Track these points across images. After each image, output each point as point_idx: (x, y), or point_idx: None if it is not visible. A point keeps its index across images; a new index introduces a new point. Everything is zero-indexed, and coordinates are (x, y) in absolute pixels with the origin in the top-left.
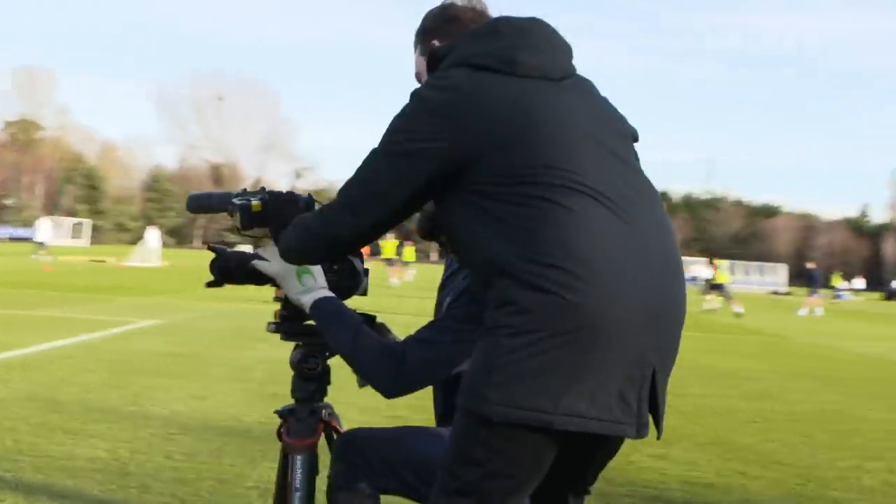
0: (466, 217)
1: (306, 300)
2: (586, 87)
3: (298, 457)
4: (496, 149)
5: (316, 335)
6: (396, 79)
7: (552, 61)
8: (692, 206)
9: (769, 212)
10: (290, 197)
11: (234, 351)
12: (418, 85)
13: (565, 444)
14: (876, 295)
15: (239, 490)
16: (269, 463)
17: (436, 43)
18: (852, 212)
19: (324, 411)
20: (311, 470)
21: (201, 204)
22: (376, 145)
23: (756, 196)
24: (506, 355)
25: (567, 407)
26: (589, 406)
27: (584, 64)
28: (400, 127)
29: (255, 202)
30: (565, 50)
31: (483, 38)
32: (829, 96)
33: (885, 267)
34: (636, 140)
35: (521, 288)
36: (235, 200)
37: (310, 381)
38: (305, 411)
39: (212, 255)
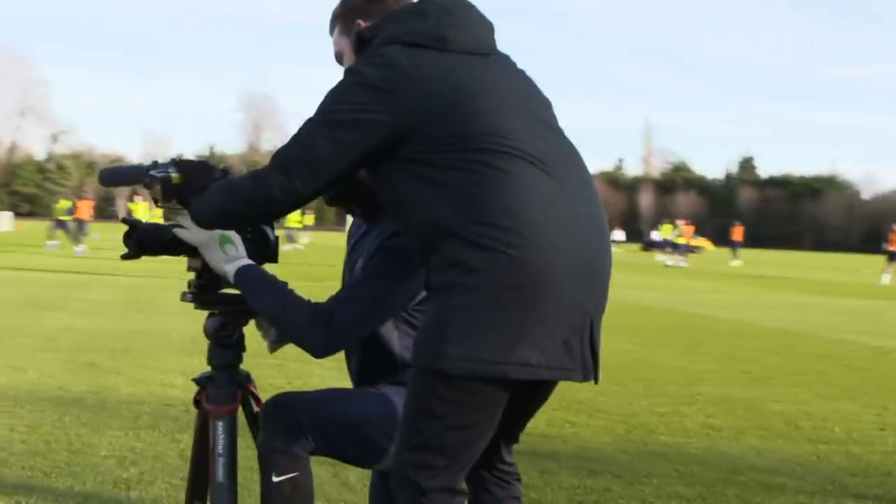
0: (407, 185)
1: (229, 268)
2: (508, 62)
3: (220, 423)
4: (433, 120)
5: (231, 303)
6: (151, 39)
7: (478, 38)
8: None
9: None
10: (205, 166)
11: (33, 320)
12: (339, 65)
13: (513, 394)
14: (634, 246)
15: (95, 459)
16: (113, 431)
17: (361, 23)
18: (608, 165)
19: (244, 377)
20: (233, 435)
21: (115, 178)
22: (313, 115)
23: None
24: (458, 312)
25: (519, 357)
26: (539, 355)
27: None
28: (340, 98)
29: (174, 174)
30: (489, 28)
31: (411, 17)
32: (575, 52)
33: (641, 219)
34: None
35: (468, 248)
36: (154, 173)
37: (227, 348)
38: (224, 378)
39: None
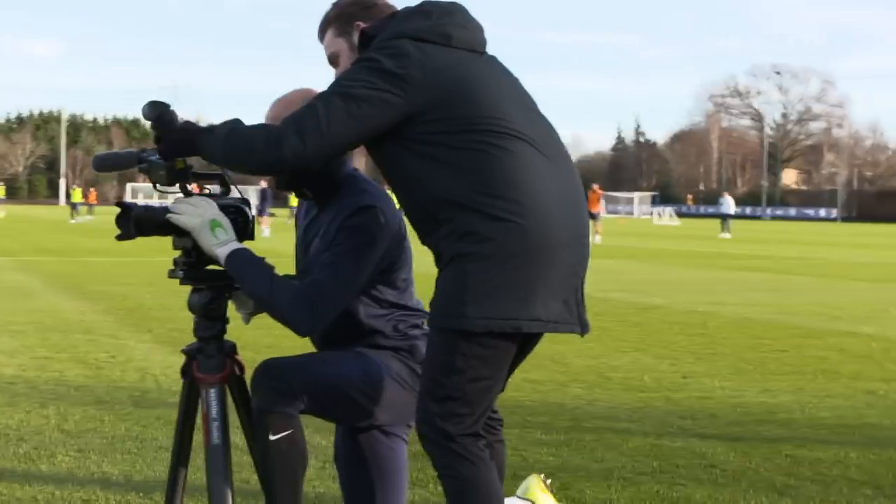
0: (416, 164)
1: (221, 252)
2: (497, 61)
3: (212, 390)
4: (442, 105)
5: (216, 279)
6: None
7: (474, 38)
8: None
9: None
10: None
11: None
12: (332, 67)
13: (519, 347)
14: None
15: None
16: (3, 409)
17: (361, 24)
18: None
19: (229, 347)
20: (224, 400)
21: (108, 163)
22: (327, 90)
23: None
24: (475, 277)
25: (530, 313)
26: (546, 311)
27: None
28: (356, 77)
29: (177, 161)
30: (481, 29)
31: (414, 16)
32: (284, 18)
33: None
34: None
35: (481, 219)
36: (153, 158)
37: (216, 320)
38: (213, 348)
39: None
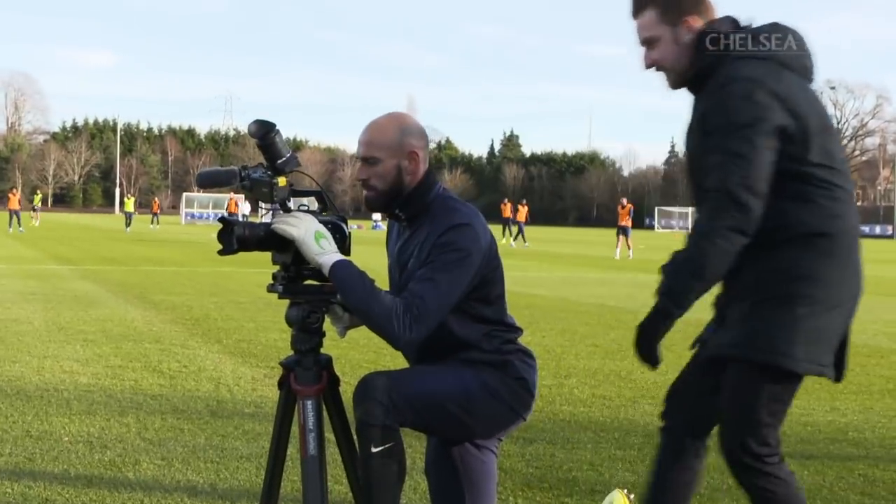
0: (783, 194)
1: (324, 261)
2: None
3: (308, 402)
4: (804, 138)
5: (315, 293)
6: None
7: (813, 69)
8: (218, 142)
9: (296, 145)
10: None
11: None
12: (642, 47)
13: None
14: None
15: (63, 445)
16: (57, 418)
17: (691, 21)
18: None
19: (325, 360)
20: (321, 412)
21: (210, 180)
22: (727, 129)
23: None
24: (805, 321)
25: (825, 359)
26: (828, 357)
27: None
28: (748, 110)
29: (281, 178)
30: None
31: (769, 38)
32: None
33: None
34: None
35: (817, 260)
36: (255, 175)
37: (313, 333)
38: (310, 361)
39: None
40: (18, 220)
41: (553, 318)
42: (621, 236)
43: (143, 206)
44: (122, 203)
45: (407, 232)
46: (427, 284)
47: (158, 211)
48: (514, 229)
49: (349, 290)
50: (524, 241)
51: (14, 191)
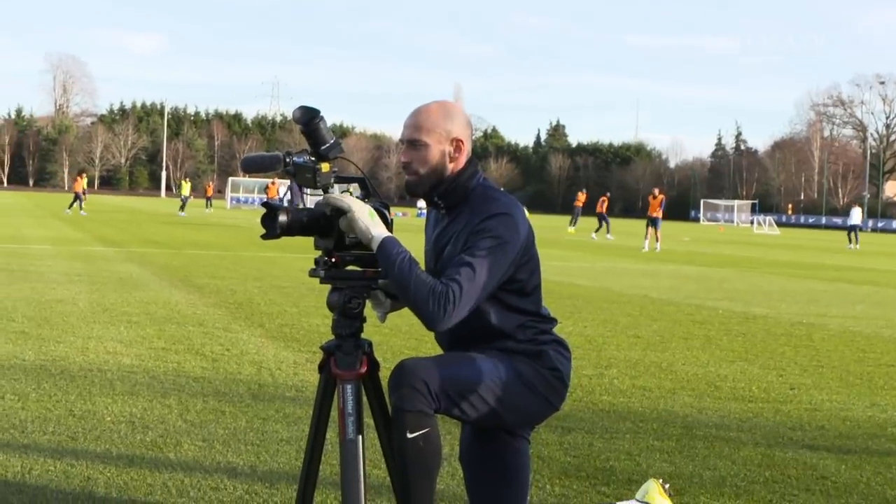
0: None
1: (376, 234)
2: None
3: (348, 386)
4: None
5: (357, 279)
6: None
7: None
8: (264, 128)
9: (342, 132)
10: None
11: None
12: None
13: None
14: None
15: (105, 425)
16: (101, 398)
17: None
18: None
19: (366, 345)
20: (360, 396)
21: (255, 165)
22: None
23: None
24: None
25: None
26: None
27: None
28: None
29: (325, 164)
30: None
31: None
32: (380, 17)
33: None
34: None
35: None
36: (299, 160)
37: (354, 318)
38: (351, 345)
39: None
40: (80, 203)
41: (595, 309)
42: (650, 228)
43: (193, 189)
44: (177, 186)
45: (445, 220)
46: (464, 270)
47: (213, 194)
48: (598, 221)
49: (393, 267)
50: (607, 233)
51: (82, 175)
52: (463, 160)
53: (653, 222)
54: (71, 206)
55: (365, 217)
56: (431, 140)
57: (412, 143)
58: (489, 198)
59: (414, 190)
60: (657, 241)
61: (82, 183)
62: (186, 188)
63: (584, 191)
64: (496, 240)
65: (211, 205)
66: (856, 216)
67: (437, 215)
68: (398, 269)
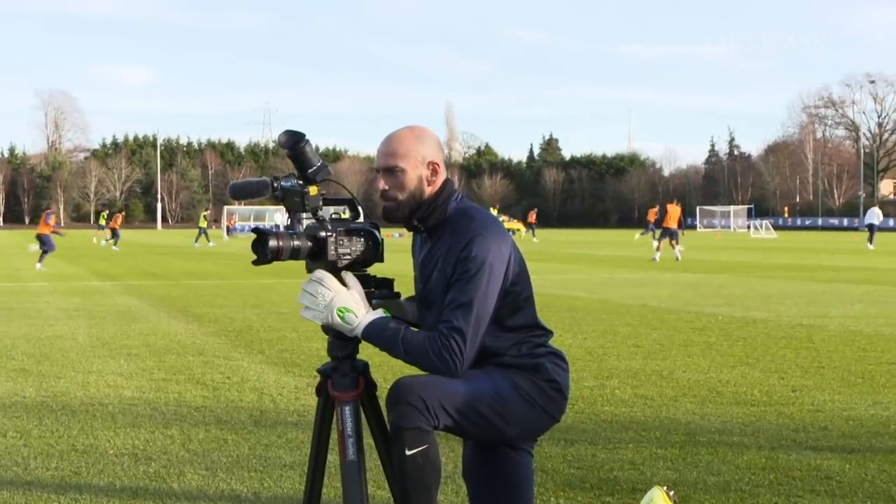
0: None
1: (357, 333)
2: None
3: (346, 407)
4: None
5: None
6: None
7: None
8: (258, 155)
9: (335, 156)
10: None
11: None
12: None
13: None
14: None
15: (108, 458)
16: (103, 432)
17: None
18: None
19: (361, 365)
20: (359, 417)
21: (243, 192)
22: None
23: (319, 140)
24: None
25: None
26: None
27: None
28: None
29: (312, 188)
30: None
31: None
32: (369, 38)
33: None
34: None
35: None
36: (286, 185)
37: (349, 340)
38: (347, 367)
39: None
40: (116, 238)
41: (594, 320)
42: (667, 238)
43: (186, 220)
44: (167, 219)
45: (428, 243)
46: (459, 312)
47: (232, 225)
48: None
49: (382, 347)
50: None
51: (121, 213)
52: (439, 182)
53: (670, 233)
54: (115, 241)
55: (338, 324)
56: (408, 165)
57: (389, 170)
58: (467, 217)
59: (393, 215)
60: (679, 248)
61: (121, 219)
62: (203, 219)
63: (657, 207)
64: (482, 265)
65: (228, 233)
66: (874, 215)
67: (421, 239)
68: (388, 348)
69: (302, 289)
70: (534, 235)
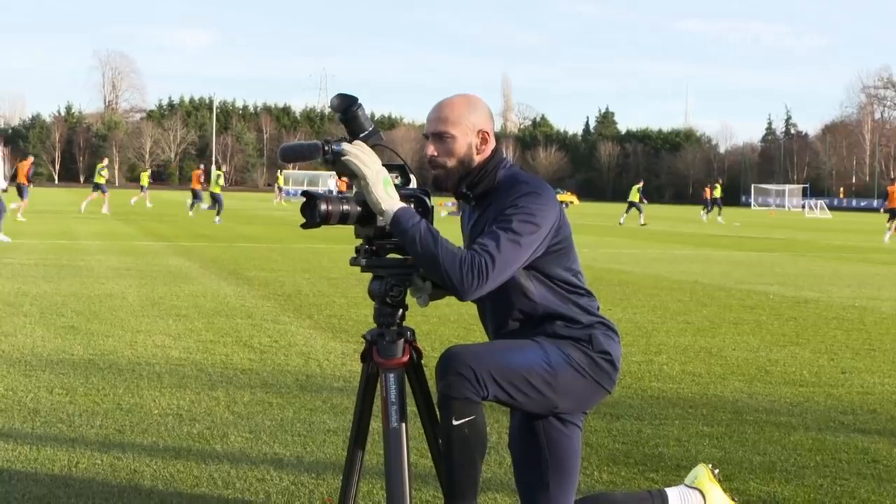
0: None
1: (388, 206)
2: None
3: (391, 374)
4: None
5: (397, 266)
6: None
7: None
8: (313, 120)
9: (390, 123)
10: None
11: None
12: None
13: None
14: None
15: (153, 418)
16: (149, 391)
17: None
18: None
19: (408, 333)
20: (403, 384)
21: (293, 154)
22: None
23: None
24: None
25: None
26: None
27: None
28: None
29: None
30: None
31: None
32: (432, 8)
33: None
34: None
35: None
36: (337, 148)
37: (395, 306)
38: (393, 334)
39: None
40: (199, 199)
41: (645, 295)
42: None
43: (239, 182)
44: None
45: (477, 212)
46: (494, 240)
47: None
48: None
49: (414, 238)
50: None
51: (199, 170)
52: (488, 151)
53: (716, 203)
54: (193, 205)
55: (378, 188)
56: (458, 132)
57: (438, 135)
58: (518, 181)
59: (442, 184)
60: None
61: (201, 176)
62: (282, 180)
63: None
64: (526, 215)
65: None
66: None
67: (470, 209)
68: (420, 241)
69: (349, 151)
70: (719, 214)
